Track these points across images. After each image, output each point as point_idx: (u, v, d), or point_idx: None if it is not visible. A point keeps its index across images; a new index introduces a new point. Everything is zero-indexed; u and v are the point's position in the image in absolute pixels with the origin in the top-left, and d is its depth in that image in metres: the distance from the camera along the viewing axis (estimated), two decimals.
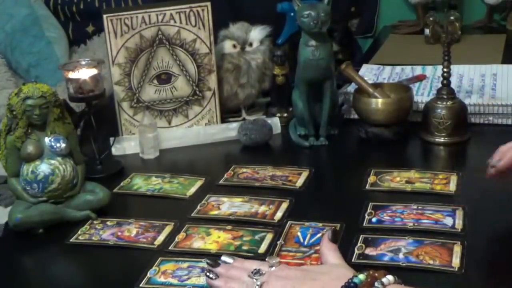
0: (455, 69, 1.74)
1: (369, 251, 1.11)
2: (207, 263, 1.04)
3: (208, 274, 1.01)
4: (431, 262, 1.08)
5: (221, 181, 1.41)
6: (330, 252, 1.01)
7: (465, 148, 1.52)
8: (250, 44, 1.65)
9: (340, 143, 1.58)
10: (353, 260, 1.09)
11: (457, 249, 1.10)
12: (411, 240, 1.13)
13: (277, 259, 1.00)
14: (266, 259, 1.01)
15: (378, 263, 1.08)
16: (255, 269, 0.99)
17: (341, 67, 1.61)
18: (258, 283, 0.97)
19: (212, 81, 1.62)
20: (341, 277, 0.92)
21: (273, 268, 0.99)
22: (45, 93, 1.24)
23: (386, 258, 1.09)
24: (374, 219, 1.21)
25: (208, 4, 1.58)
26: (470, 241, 1.12)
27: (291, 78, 1.65)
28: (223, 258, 1.04)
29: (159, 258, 1.14)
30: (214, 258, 1.06)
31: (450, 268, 1.06)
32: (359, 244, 1.13)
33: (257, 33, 1.66)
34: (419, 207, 1.24)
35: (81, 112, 1.54)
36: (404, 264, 1.08)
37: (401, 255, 1.10)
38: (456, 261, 1.07)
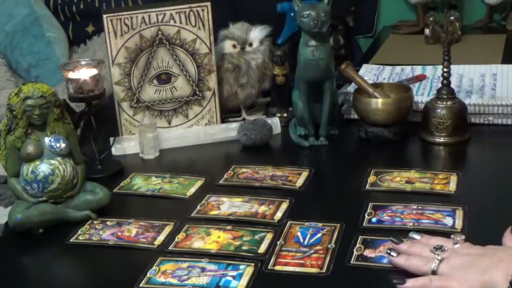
0: (455, 69, 1.74)
1: (368, 252, 1.11)
2: (391, 241, 1.08)
3: (389, 251, 1.06)
4: None
5: (221, 181, 1.41)
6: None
7: (465, 148, 1.52)
8: (250, 44, 1.65)
9: (340, 143, 1.58)
10: (352, 262, 1.09)
11: None
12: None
13: (462, 236, 1.04)
14: (452, 236, 1.05)
15: (377, 265, 1.08)
16: (438, 245, 1.02)
17: (341, 67, 1.60)
18: (439, 258, 1.00)
19: (212, 81, 1.62)
20: None
21: (456, 246, 1.03)
22: (45, 93, 1.24)
23: (385, 261, 1.09)
24: (374, 219, 1.21)
25: (208, 4, 1.58)
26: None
27: (291, 78, 1.65)
28: (411, 234, 1.09)
29: (159, 258, 1.14)
30: (398, 236, 1.09)
31: None
32: (358, 246, 1.13)
33: (257, 33, 1.66)
34: (419, 207, 1.24)
35: (81, 112, 1.55)
36: None
37: None
38: None
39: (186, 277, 1.08)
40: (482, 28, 2.46)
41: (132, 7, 1.74)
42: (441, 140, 1.51)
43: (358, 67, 1.85)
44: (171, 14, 1.57)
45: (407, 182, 1.35)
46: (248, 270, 1.09)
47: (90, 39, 2.43)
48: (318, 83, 1.53)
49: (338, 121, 1.62)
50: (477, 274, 0.96)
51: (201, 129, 1.63)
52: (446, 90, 1.52)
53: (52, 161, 1.26)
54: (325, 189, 1.41)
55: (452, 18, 2.25)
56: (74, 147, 1.30)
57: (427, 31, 2.27)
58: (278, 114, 1.68)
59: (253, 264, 1.10)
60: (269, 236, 1.18)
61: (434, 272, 1.00)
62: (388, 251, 1.06)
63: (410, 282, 1.00)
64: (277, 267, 1.10)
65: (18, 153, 1.25)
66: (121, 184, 1.43)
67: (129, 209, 1.35)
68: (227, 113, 1.69)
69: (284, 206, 1.29)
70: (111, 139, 1.55)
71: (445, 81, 1.51)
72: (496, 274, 0.95)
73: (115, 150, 1.57)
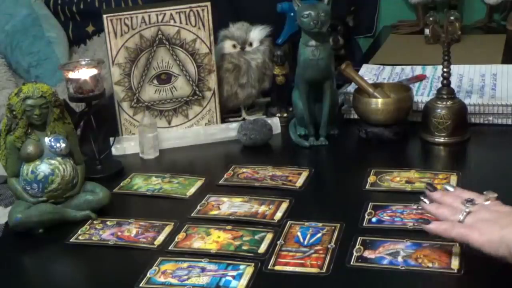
0: (455, 69, 1.74)
1: (368, 253, 1.11)
2: (427, 187, 1.10)
3: (422, 198, 1.09)
4: (430, 265, 1.07)
5: (221, 181, 1.41)
6: None
7: (465, 148, 1.52)
8: (250, 44, 1.65)
9: (340, 143, 1.58)
10: (351, 263, 1.09)
11: (456, 250, 1.10)
12: (410, 242, 1.13)
13: (495, 194, 1.06)
14: (484, 193, 1.07)
15: (377, 266, 1.08)
16: (469, 198, 1.05)
17: (341, 67, 1.61)
18: (467, 210, 1.03)
19: (212, 81, 1.62)
20: None
21: (487, 202, 1.04)
22: (45, 93, 1.24)
23: (385, 262, 1.08)
24: (374, 219, 1.21)
25: (208, 4, 1.58)
26: None
27: (291, 78, 1.65)
28: (445, 185, 1.11)
29: (159, 258, 1.14)
30: (433, 184, 1.12)
31: (450, 270, 1.06)
32: (357, 247, 1.13)
33: (257, 33, 1.66)
34: (419, 207, 1.23)
35: (81, 112, 1.55)
36: (403, 268, 1.07)
37: (400, 259, 1.09)
38: (455, 263, 1.07)
39: (186, 277, 1.08)
40: (482, 28, 2.46)
41: (132, 7, 1.74)
42: (441, 140, 1.51)
43: (358, 67, 1.85)
44: (171, 14, 1.57)
45: (407, 182, 1.35)
46: (248, 270, 1.09)
47: (90, 39, 2.43)
48: (318, 83, 1.53)
49: (338, 121, 1.62)
50: (498, 227, 0.98)
51: (201, 129, 1.63)
52: (446, 90, 1.52)
53: (52, 161, 1.26)
54: (325, 189, 1.41)
55: (452, 18, 2.26)
56: (74, 147, 1.30)
57: (427, 31, 2.26)
58: (278, 114, 1.68)
59: (253, 264, 1.10)
60: (269, 236, 1.18)
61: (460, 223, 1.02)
62: (421, 197, 1.09)
63: (434, 224, 1.03)
64: (277, 267, 1.10)
65: (18, 153, 1.25)
66: (121, 184, 1.43)
67: (129, 209, 1.35)
68: (227, 113, 1.69)
69: (284, 206, 1.29)
70: (111, 139, 1.55)
71: (445, 81, 1.51)
72: None
73: (115, 150, 1.57)
